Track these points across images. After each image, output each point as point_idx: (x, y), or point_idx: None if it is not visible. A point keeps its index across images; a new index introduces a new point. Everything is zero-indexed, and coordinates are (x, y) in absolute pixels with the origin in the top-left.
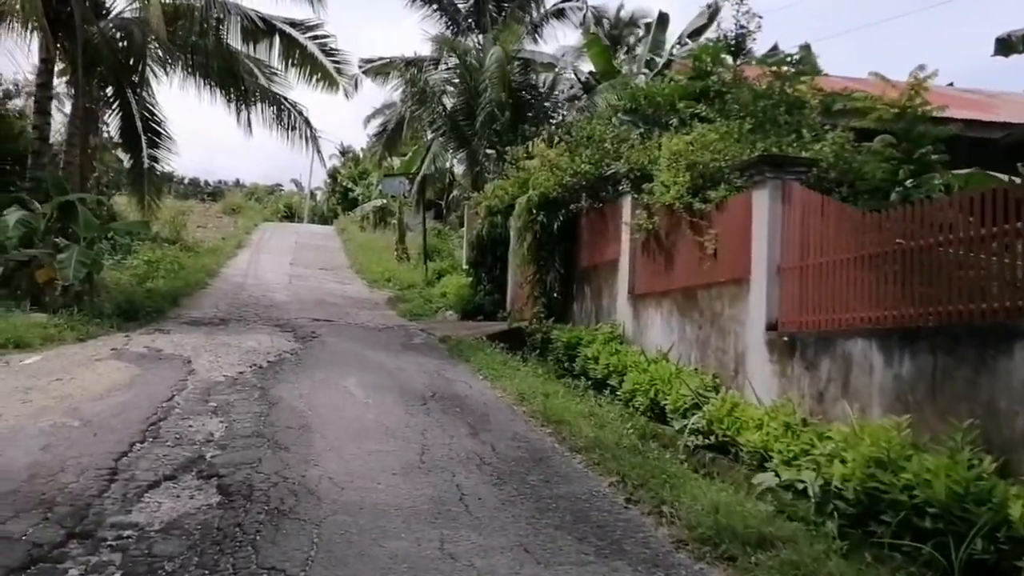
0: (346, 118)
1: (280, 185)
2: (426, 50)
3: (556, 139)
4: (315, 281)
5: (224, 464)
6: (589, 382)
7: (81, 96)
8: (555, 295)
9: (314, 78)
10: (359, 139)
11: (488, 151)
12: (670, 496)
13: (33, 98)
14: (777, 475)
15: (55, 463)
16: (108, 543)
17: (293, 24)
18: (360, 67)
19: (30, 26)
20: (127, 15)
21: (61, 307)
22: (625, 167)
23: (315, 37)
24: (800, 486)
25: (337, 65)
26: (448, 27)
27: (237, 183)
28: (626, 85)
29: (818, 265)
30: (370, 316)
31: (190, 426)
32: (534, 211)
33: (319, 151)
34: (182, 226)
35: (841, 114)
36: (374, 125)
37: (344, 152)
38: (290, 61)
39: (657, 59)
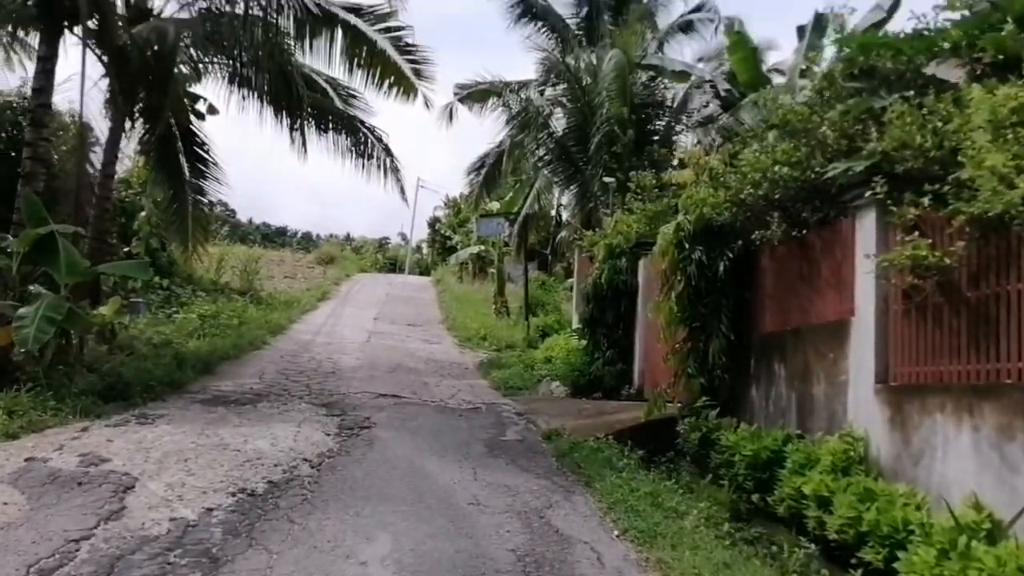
0: (454, 170)
1: (387, 238)
2: (529, 74)
3: (716, 144)
4: (397, 339)
5: None
6: (814, 545)
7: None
8: (719, 372)
9: (386, 82)
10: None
11: (606, 179)
12: None
13: (27, 107)
14: None
15: None
16: None
17: (358, 11)
18: (456, 94)
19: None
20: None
21: (27, 381)
22: (866, 160)
23: (387, 29)
24: None
25: (415, 65)
26: (557, 46)
27: (347, 237)
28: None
29: None
30: (453, 389)
31: None
32: (687, 245)
33: (400, 183)
34: (254, 274)
35: None
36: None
37: (447, 204)
38: (355, 60)
39: (815, 67)
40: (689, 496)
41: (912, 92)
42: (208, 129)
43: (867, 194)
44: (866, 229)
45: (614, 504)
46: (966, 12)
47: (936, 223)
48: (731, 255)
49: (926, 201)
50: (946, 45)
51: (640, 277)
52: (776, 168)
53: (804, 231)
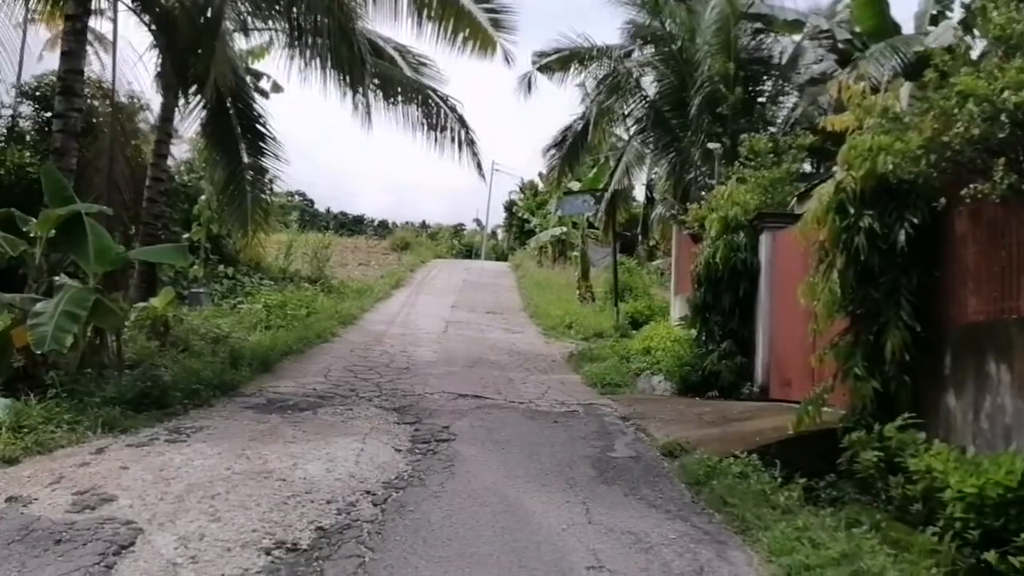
0: (528, 156)
1: (463, 224)
2: (614, 39)
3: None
4: (477, 329)
5: None
6: None
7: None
8: (898, 373)
9: (460, 35)
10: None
11: (710, 145)
12: None
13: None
14: None
15: None
16: None
17: None
18: (534, 62)
19: None
20: None
21: (52, 387)
22: None
23: None
24: None
25: (493, 15)
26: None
27: (423, 224)
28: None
29: None
30: (542, 386)
31: None
32: (851, 209)
33: (476, 156)
34: (324, 261)
35: None
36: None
37: (523, 188)
38: (424, 12)
39: (948, 12)
40: (892, 554)
41: None
42: (275, 110)
43: None
44: None
45: (793, 571)
46: None
47: None
48: (914, 221)
49: None
50: None
51: (762, 255)
52: (1004, 96)
53: None
